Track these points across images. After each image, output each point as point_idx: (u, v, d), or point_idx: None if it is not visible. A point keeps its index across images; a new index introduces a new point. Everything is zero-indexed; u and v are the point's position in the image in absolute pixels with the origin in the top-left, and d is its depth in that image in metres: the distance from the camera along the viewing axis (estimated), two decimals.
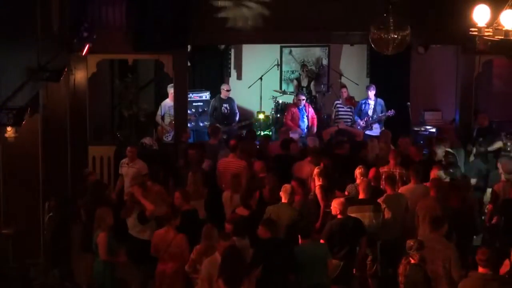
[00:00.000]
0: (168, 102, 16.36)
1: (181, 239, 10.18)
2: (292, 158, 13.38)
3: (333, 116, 17.42)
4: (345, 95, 17.51)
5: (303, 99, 16.85)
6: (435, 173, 11.94)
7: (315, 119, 17.01)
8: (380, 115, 16.76)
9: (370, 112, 16.87)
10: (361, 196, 11.27)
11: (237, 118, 17.32)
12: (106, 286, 10.43)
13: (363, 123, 16.82)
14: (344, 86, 17.91)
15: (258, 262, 9.42)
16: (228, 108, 17.21)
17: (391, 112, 16.78)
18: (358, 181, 11.76)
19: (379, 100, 16.96)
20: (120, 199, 12.73)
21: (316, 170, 12.04)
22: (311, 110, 16.98)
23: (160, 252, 10.29)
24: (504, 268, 9.04)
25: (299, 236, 9.88)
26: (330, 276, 9.95)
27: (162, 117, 16.48)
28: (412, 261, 8.99)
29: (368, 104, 16.94)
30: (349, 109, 17.40)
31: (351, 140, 15.47)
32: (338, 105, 17.46)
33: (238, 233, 9.69)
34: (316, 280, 9.72)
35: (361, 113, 16.98)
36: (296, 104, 16.91)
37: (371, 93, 16.85)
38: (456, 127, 16.29)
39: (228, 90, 17.27)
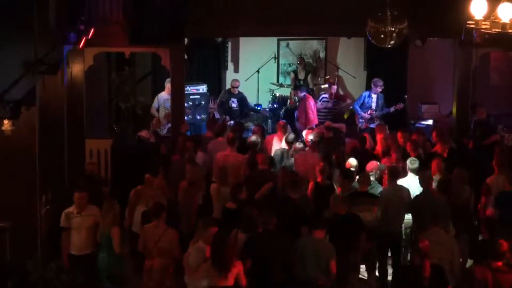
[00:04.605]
0: (164, 95, 16.36)
1: (172, 233, 10.06)
2: None
3: (318, 106, 17.41)
4: (333, 91, 17.49)
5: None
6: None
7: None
8: (390, 108, 16.77)
9: (373, 106, 16.90)
10: (362, 189, 11.28)
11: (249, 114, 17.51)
12: (112, 278, 10.41)
13: (367, 115, 16.85)
14: (334, 83, 17.86)
15: (248, 254, 9.45)
16: (236, 102, 17.29)
17: (399, 106, 16.83)
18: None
19: (380, 95, 16.96)
20: None
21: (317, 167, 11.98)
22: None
23: (148, 248, 10.10)
24: None
25: (311, 228, 9.84)
26: (331, 276, 9.80)
27: (157, 110, 16.48)
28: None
29: (371, 97, 16.96)
30: (334, 101, 17.45)
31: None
32: (324, 97, 17.46)
33: None
34: (313, 276, 9.67)
35: (364, 106, 17.00)
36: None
37: (377, 89, 16.85)
38: (452, 120, 16.29)
39: (234, 87, 17.38)
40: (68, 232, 10.65)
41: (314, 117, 16.74)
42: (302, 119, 16.78)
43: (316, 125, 16.70)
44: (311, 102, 16.81)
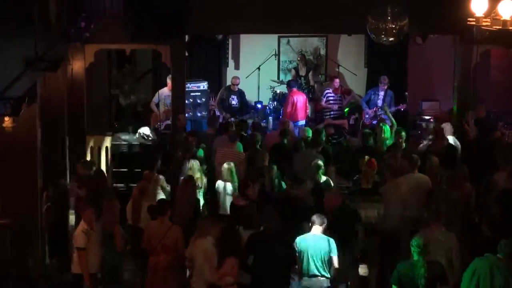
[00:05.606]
0: (166, 91, 16.33)
1: (177, 230, 10.05)
2: (290, 148, 13.39)
3: (323, 104, 17.40)
4: (336, 85, 17.49)
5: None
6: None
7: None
8: (392, 109, 16.81)
9: (379, 103, 16.92)
10: (364, 186, 11.28)
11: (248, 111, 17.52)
12: (114, 275, 10.42)
13: (372, 112, 16.87)
14: (336, 77, 17.87)
15: (251, 251, 9.48)
16: (236, 99, 17.30)
17: (402, 107, 16.87)
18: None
19: (389, 91, 16.98)
20: None
21: None
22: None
23: (152, 244, 10.09)
24: None
25: (312, 224, 9.78)
26: (334, 270, 9.80)
27: (157, 105, 16.48)
28: None
29: (378, 94, 16.97)
30: (339, 97, 17.44)
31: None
32: (328, 94, 17.44)
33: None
34: (315, 272, 9.66)
35: (370, 103, 17.03)
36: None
37: (382, 86, 16.88)
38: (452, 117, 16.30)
39: (234, 84, 17.38)
40: (86, 251, 9.99)
41: (294, 112, 16.65)
42: (284, 114, 16.78)
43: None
44: (294, 97, 16.72)
